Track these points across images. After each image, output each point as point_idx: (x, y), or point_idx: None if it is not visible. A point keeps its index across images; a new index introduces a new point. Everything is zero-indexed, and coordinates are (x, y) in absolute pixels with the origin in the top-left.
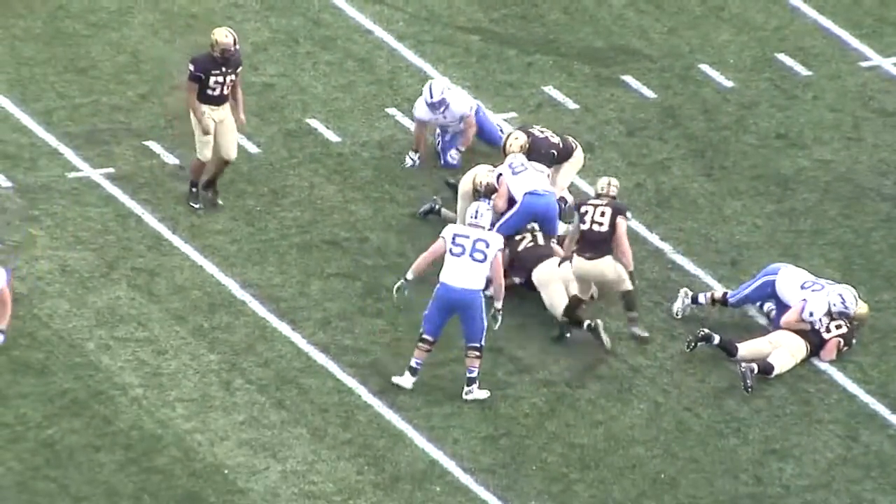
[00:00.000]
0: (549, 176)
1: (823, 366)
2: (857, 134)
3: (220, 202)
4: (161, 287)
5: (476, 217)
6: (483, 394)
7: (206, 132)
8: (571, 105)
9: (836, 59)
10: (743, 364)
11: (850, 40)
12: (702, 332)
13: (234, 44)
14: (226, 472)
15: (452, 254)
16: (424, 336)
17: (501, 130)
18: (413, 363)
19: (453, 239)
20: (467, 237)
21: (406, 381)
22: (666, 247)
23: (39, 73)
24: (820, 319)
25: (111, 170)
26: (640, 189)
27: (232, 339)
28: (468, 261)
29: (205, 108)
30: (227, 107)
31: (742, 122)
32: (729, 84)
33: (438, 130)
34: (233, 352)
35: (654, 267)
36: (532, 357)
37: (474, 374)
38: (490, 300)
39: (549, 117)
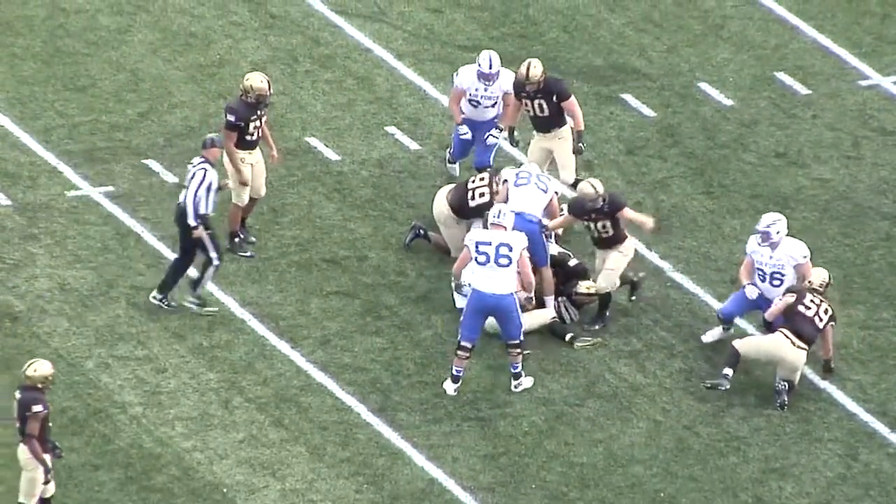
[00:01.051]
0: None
1: (823, 384)
2: (857, 153)
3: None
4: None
5: (498, 218)
6: (529, 381)
7: (245, 183)
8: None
9: (835, 78)
10: (779, 383)
11: (849, 59)
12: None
13: (269, 88)
14: (225, 490)
15: (478, 262)
16: (462, 343)
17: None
18: (454, 371)
19: (476, 248)
20: (489, 244)
21: (449, 387)
22: (665, 265)
23: (39, 91)
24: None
25: (110, 188)
26: (640, 207)
27: (231, 357)
28: (494, 268)
29: (242, 154)
30: (259, 148)
31: (741, 141)
32: (728, 102)
33: (460, 130)
34: (232, 370)
35: (653, 285)
36: (531, 376)
37: (518, 369)
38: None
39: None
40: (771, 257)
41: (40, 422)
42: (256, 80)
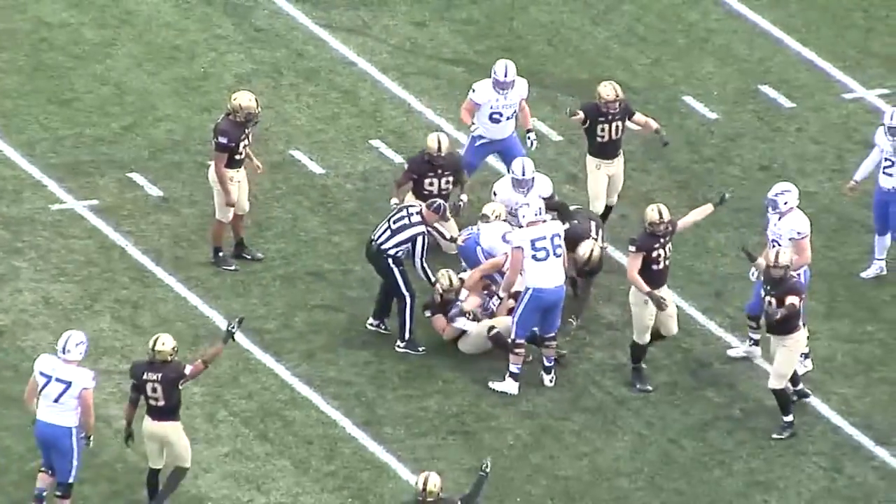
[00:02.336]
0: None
1: (808, 398)
2: (841, 166)
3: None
4: (145, 319)
5: (539, 214)
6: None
7: (231, 204)
8: (555, 137)
9: (819, 92)
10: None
11: (833, 72)
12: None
13: (258, 106)
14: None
15: (537, 259)
16: (519, 342)
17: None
18: (515, 369)
19: (532, 245)
20: (544, 237)
21: (513, 387)
22: None
23: (23, 104)
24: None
25: (95, 202)
26: (624, 221)
27: (216, 371)
28: (554, 260)
29: (231, 173)
30: (243, 167)
31: (726, 154)
32: (713, 116)
33: (474, 141)
34: (217, 384)
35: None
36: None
37: (552, 363)
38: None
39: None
40: (776, 225)
41: (198, 370)
42: (245, 100)
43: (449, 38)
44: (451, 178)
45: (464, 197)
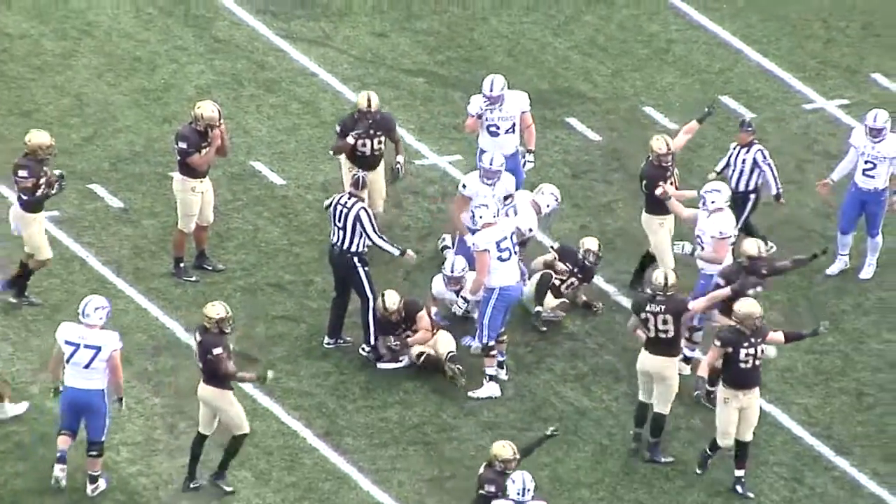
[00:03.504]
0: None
1: (768, 408)
2: (801, 176)
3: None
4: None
5: (497, 215)
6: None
7: (192, 214)
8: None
9: (779, 102)
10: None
11: (793, 83)
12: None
13: (220, 117)
14: None
15: (502, 259)
16: (491, 344)
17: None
18: (491, 371)
19: (497, 246)
20: (506, 238)
21: (494, 389)
22: (610, 289)
23: None
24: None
25: (55, 213)
26: (585, 231)
27: (176, 382)
28: (514, 258)
29: (193, 182)
30: (207, 177)
31: (687, 165)
32: (673, 126)
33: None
34: (177, 395)
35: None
36: (477, 399)
37: (505, 358)
38: None
39: None
40: (703, 222)
41: (230, 360)
42: (207, 109)
43: (409, 49)
44: (382, 138)
45: (400, 158)
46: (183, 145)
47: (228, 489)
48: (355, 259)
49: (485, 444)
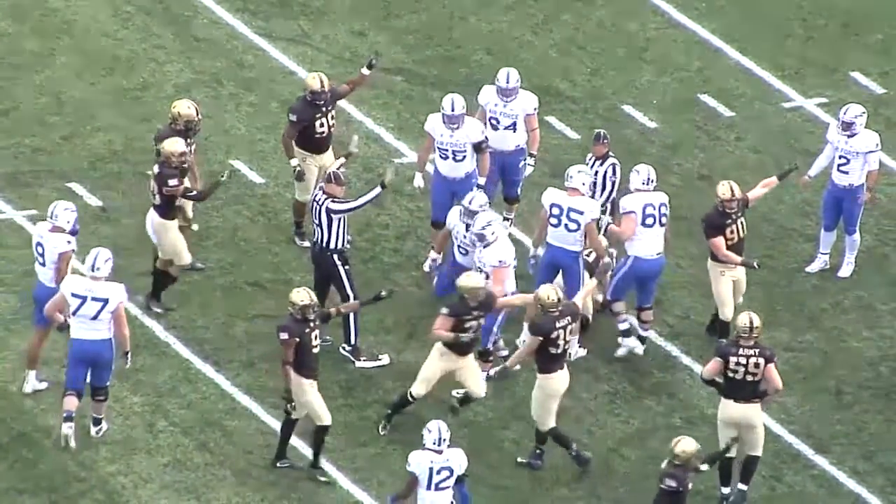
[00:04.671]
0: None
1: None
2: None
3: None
4: None
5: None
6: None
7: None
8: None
9: (758, 100)
10: None
11: (772, 81)
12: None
13: (197, 114)
14: None
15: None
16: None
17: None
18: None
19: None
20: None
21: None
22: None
23: None
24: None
25: (34, 212)
26: None
27: (155, 380)
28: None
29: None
30: (187, 177)
31: (665, 163)
32: (652, 125)
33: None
34: (156, 394)
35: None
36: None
37: None
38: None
39: None
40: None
41: (291, 349)
42: (183, 107)
43: (388, 48)
44: (334, 114)
45: (355, 138)
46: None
47: (323, 479)
48: (335, 257)
49: (463, 443)
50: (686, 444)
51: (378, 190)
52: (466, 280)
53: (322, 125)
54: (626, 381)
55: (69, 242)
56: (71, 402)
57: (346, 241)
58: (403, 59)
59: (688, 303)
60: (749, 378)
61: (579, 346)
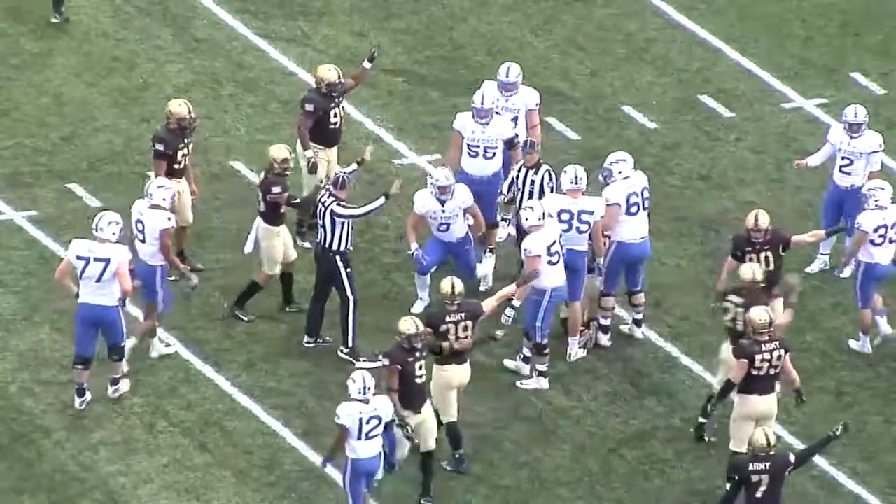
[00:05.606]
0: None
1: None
2: (780, 175)
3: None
4: None
5: (542, 218)
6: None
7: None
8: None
9: (758, 101)
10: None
11: (772, 82)
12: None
13: (190, 113)
14: None
15: (552, 263)
16: (545, 343)
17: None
18: (543, 368)
19: (548, 250)
20: (555, 241)
21: (544, 383)
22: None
23: None
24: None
25: (34, 212)
26: None
27: (155, 381)
28: (561, 260)
29: (171, 183)
30: (184, 177)
31: (665, 164)
32: (652, 126)
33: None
34: (156, 394)
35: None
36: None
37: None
38: None
39: None
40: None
41: (395, 375)
42: (175, 106)
43: (389, 49)
44: (343, 105)
45: (370, 147)
46: (160, 147)
47: None
48: (338, 258)
49: (463, 443)
50: (761, 436)
51: (381, 201)
52: (401, 323)
53: (336, 115)
54: (626, 381)
55: (169, 219)
56: (81, 375)
57: (349, 244)
58: (404, 59)
59: (688, 303)
60: (772, 371)
61: (579, 347)
